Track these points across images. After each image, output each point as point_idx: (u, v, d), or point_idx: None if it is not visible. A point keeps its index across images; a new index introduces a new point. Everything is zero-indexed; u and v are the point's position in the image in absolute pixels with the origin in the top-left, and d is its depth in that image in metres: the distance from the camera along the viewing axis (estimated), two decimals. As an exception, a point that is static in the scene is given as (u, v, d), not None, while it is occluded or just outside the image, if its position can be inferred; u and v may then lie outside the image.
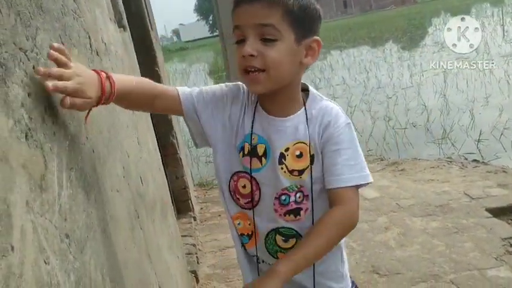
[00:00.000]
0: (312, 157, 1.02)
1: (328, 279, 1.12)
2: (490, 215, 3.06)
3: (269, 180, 1.04)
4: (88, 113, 0.87)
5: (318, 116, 1.02)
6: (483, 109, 6.44)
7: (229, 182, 1.09)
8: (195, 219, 3.60)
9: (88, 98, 0.79)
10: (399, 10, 49.42)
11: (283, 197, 1.05)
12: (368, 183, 1.02)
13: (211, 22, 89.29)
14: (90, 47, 1.14)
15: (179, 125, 4.10)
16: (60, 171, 0.71)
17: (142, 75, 2.33)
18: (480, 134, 5.33)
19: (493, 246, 2.64)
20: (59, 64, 0.74)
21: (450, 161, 4.54)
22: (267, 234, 1.10)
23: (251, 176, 1.05)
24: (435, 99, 7.34)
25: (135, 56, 2.32)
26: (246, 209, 1.10)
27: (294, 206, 1.05)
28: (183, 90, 1.05)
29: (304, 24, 0.95)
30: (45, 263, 0.58)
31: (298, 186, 1.04)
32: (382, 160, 4.99)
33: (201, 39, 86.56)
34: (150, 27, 3.35)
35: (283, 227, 1.08)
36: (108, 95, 0.85)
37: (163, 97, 1.03)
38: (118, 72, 1.52)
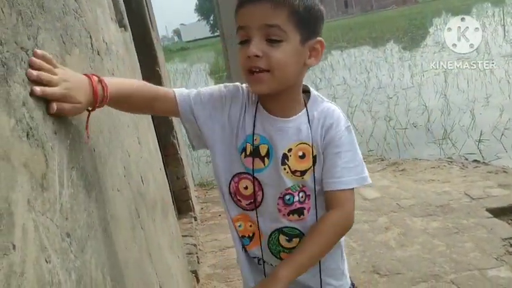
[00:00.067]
0: (314, 158, 1.02)
1: (328, 277, 1.12)
2: (490, 215, 3.06)
3: (272, 180, 1.04)
4: (88, 119, 0.87)
5: (320, 118, 1.03)
6: (484, 109, 6.44)
7: (230, 183, 1.09)
8: (195, 219, 3.60)
9: (77, 103, 0.78)
10: (400, 10, 49.41)
11: (287, 197, 1.05)
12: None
13: (212, 22, 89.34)
14: (91, 46, 1.14)
15: (180, 125, 4.10)
16: (61, 170, 0.71)
17: (143, 75, 2.34)
18: (481, 134, 5.33)
19: (493, 247, 2.64)
20: (44, 71, 0.72)
21: (451, 161, 4.54)
22: (270, 235, 1.10)
23: (253, 177, 1.05)
24: (436, 99, 7.34)
25: (136, 55, 2.32)
26: (247, 210, 1.10)
27: (298, 205, 1.06)
28: (180, 91, 1.05)
29: (309, 25, 0.95)
30: (47, 262, 0.58)
31: (301, 186, 1.05)
32: (382, 160, 4.99)
33: (202, 39, 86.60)
34: (151, 27, 3.35)
35: (286, 227, 1.08)
36: (101, 98, 0.85)
37: (162, 99, 1.03)
38: (119, 72, 1.53)
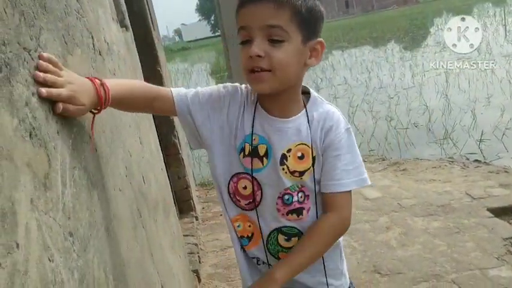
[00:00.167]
0: (313, 159, 1.03)
1: (327, 276, 1.12)
2: (491, 215, 3.06)
3: (271, 180, 1.04)
4: (93, 122, 0.88)
5: (319, 120, 1.03)
6: (485, 109, 6.44)
7: (229, 183, 1.09)
8: (196, 219, 3.61)
9: (81, 105, 0.80)
10: (401, 10, 49.37)
11: (286, 197, 1.05)
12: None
13: (213, 22, 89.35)
14: (93, 46, 1.14)
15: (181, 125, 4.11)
16: (64, 170, 0.71)
17: (145, 75, 2.34)
18: (482, 134, 5.33)
19: (494, 246, 2.64)
20: (50, 74, 0.74)
21: (452, 161, 4.54)
22: (269, 234, 1.10)
23: (252, 177, 1.05)
24: (437, 99, 7.34)
25: (137, 55, 2.32)
26: (246, 210, 1.10)
27: (297, 205, 1.06)
28: (177, 91, 1.05)
29: (310, 25, 0.95)
30: (50, 261, 0.58)
31: (300, 186, 1.05)
32: (383, 160, 4.99)
33: (202, 39, 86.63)
34: (152, 27, 3.35)
35: (285, 226, 1.08)
36: (104, 101, 0.87)
37: (161, 99, 1.03)
38: (121, 72, 1.53)
